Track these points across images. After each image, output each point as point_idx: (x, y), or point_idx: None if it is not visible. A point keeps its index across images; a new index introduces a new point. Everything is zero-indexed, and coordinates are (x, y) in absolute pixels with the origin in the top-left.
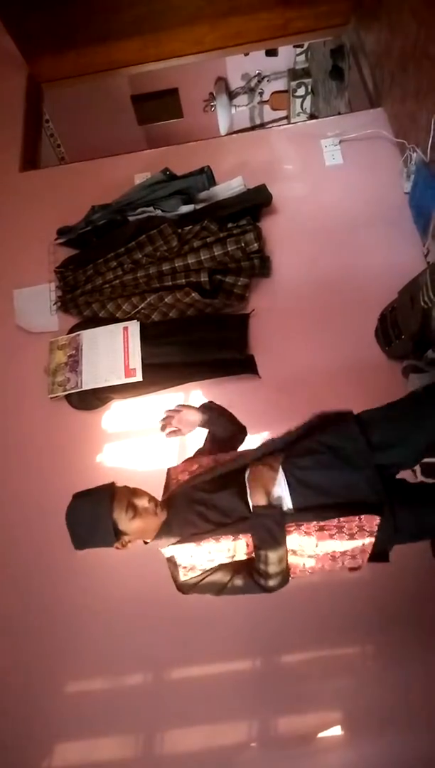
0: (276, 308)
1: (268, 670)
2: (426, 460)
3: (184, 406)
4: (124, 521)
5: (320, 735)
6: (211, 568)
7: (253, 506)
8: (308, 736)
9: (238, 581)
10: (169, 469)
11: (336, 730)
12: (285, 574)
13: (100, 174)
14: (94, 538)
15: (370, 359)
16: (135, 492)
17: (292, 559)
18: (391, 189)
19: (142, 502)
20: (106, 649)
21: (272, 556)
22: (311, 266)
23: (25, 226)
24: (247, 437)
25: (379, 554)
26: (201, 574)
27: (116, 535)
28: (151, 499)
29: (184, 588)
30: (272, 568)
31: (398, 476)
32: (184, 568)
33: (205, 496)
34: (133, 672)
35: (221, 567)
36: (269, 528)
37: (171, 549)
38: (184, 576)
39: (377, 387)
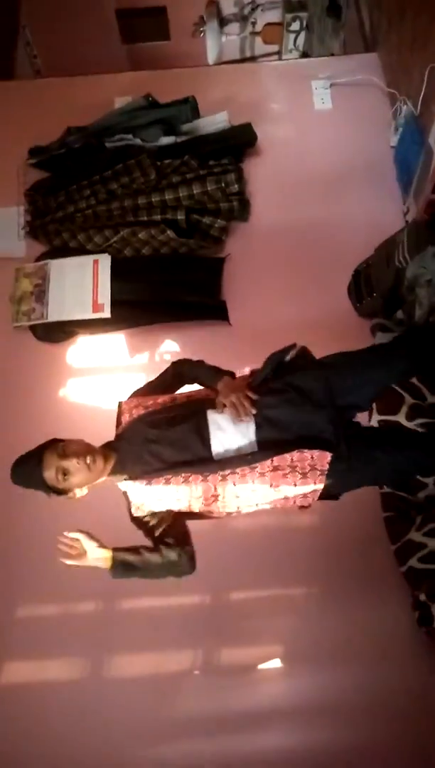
0: (252, 254)
1: (216, 605)
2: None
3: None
4: (60, 483)
5: (260, 667)
6: (159, 514)
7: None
8: (249, 668)
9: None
10: (120, 403)
11: (276, 663)
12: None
13: (78, 93)
14: (47, 494)
15: (340, 314)
16: (64, 452)
17: (242, 503)
18: (377, 141)
19: (71, 463)
20: (59, 577)
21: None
22: (291, 214)
23: None
24: None
25: (330, 493)
26: (149, 515)
27: (61, 492)
28: (84, 455)
29: (134, 523)
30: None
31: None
32: (136, 502)
33: (160, 434)
34: (85, 600)
35: (167, 519)
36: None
37: (123, 485)
38: (135, 512)
39: (345, 343)
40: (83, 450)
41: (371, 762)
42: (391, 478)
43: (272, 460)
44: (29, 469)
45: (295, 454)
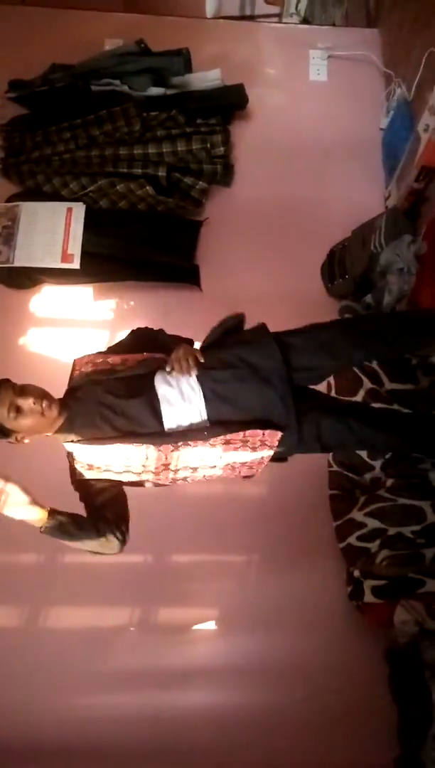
0: (230, 221)
1: (158, 566)
2: None
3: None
4: (9, 421)
5: (195, 627)
6: (104, 480)
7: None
8: (184, 628)
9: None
10: (74, 360)
11: (211, 625)
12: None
13: (66, 28)
14: None
15: (310, 292)
16: (22, 390)
17: (190, 473)
18: (368, 121)
19: (27, 403)
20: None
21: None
22: (273, 185)
23: None
24: None
25: (278, 458)
26: (91, 479)
27: (6, 433)
28: (40, 398)
29: (76, 485)
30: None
31: None
32: (82, 466)
33: (114, 401)
34: (25, 550)
35: (111, 490)
36: None
37: (71, 446)
38: (79, 475)
39: (310, 321)
40: (41, 393)
41: (292, 724)
42: (335, 447)
43: (225, 436)
44: None
45: (248, 431)
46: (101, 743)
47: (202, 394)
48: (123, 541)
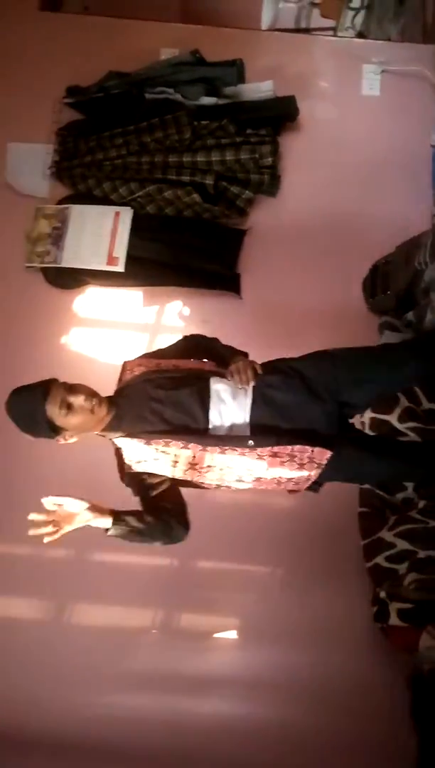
0: (274, 232)
1: (184, 571)
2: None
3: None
4: (59, 418)
5: (216, 635)
6: (157, 475)
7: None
8: (205, 635)
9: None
10: (124, 362)
11: (232, 635)
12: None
13: (124, 37)
14: (34, 433)
15: (351, 306)
16: (72, 388)
17: (237, 484)
18: (419, 137)
19: (78, 400)
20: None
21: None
22: (319, 197)
23: (34, 73)
24: None
25: (313, 486)
26: (144, 473)
27: (55, 430)
28: (90, 396)
29: (126, 479)
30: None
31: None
32: (130, 461)
33: (163, 394)
34: (57, 546)
35: (165, 483)
36: None
37: (120, 441)
38: (129, 469)
39: (351, 336)
40: (91, 391)
41: (306, 744)
42: (370, 482)
43: (272, 448)
44: (33, 397)
45: (296, 447)
46: (117, 742)
47: (251, 396)
48: (187, 528)
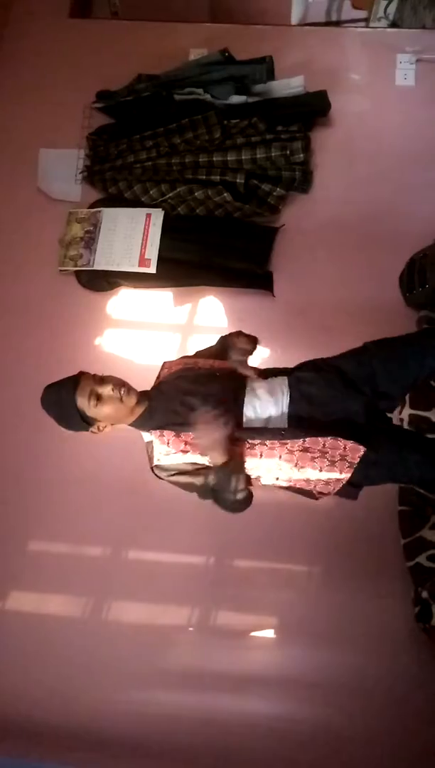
0: (307, 228)
1: (219, 569)
2: None
3: None
4: (90, 409)
5: (253, 634)
6: (186, 464)
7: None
8: (242, 633)
9: (209, 483)
10: (164, 362)
11: (269, 633)
12: (247, 497)
13: (152, 39)
14: (69, 426)
15: (388, 302)
16: (102, 380)
17: (265, 479)
18: None
19: (106, 390)
20: (74, 519)
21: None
22: (353, 192)
23: (65, 80)
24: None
25: (348, 490)
26: (175, 465)
27: (87, 422)
28: (118, 385)
29: (156, 470)
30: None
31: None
32: (160, 453)
33: (197, 388)
34: (95, 544)
35: (195, 467)
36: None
37: (148, 435)
38: (157, 461)
39: (388, 332)
40: (119, 381)
41: (343, 746)
42: (411, 480)
43: (304, 441)
44: (64, 390)
45: (329, 440)
46: (154, 739)
47: (289, 393)
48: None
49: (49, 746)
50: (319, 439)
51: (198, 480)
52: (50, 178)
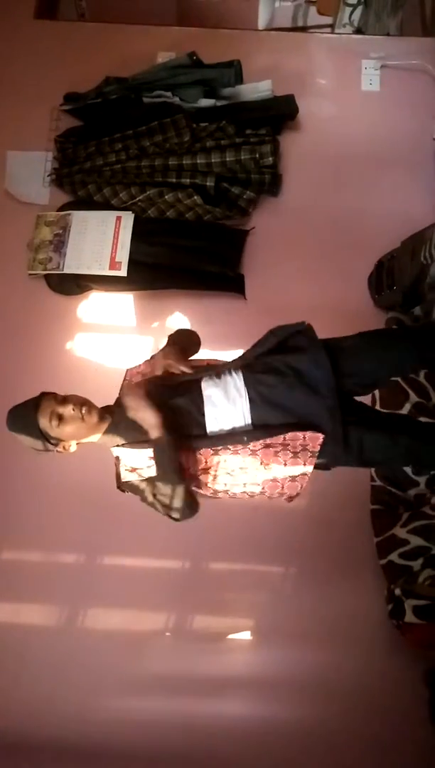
0: (276, 231)
1: (194, 573)
2: None
3: None
4: (53, 429)
5: (230, 637)
6: (149, 478)
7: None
8: (219, 637)
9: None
10: (127, 370)
11: (246, 635)
12: (188, 506)
13: (120, 42)
14: (35, 446)
15: (357, 304)
16: (63, 400)
17: (231, 480)
18: (420, 132)
19: (67, 410)
20: (46, 526)
21: (163, 488)
22: (321, 195)
23: (31, 82)
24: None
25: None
26: (139, 479)
27: (52, 442)
28: (79, 404)
29: (123, 487)
30: (171, 501)
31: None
32: (126, 469)
33: (159, 402)
34: (68, 551)
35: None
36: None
37: (116, 450)
38: (124, 476)
39: (358, 331)
40: (80, 400)
41: (322, 743)
42: (384, 462)
43: (265, 439)
44: (26, 412)
45: (289, 434)
46: (131, 746)
47: (247, 396)
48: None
49: (23, 759)
50: (279, 436)
51: (148, 489)
52: (18, 180)
